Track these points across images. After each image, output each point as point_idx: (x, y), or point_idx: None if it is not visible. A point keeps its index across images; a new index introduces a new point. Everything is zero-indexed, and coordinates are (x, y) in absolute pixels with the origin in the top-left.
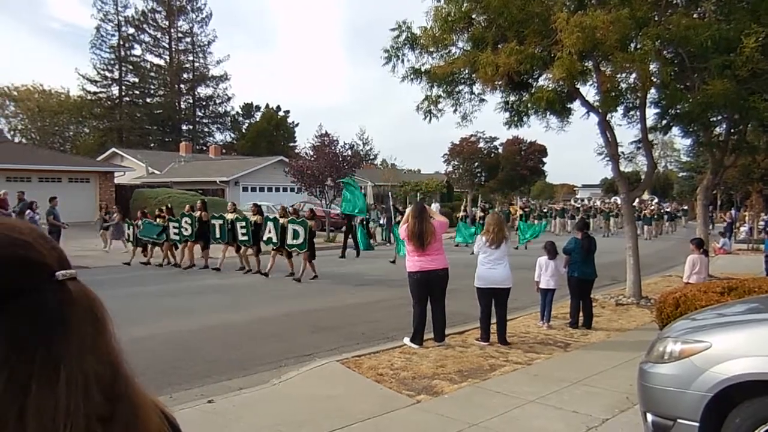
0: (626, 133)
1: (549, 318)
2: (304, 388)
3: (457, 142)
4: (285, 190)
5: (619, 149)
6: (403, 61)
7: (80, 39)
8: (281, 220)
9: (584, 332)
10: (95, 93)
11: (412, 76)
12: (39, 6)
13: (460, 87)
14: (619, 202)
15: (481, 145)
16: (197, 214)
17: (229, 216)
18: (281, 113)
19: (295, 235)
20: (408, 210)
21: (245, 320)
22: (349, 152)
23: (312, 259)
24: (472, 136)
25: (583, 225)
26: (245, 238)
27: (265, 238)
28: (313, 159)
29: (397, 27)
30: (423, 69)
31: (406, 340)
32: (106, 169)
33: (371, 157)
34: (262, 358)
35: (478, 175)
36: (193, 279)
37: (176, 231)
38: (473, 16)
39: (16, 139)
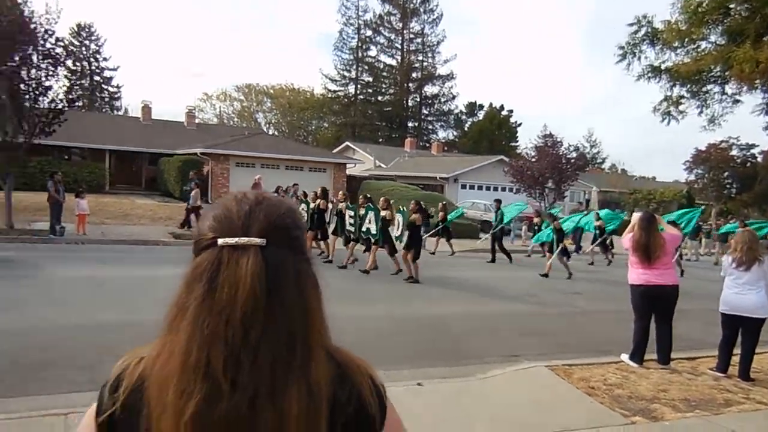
0: None
1: None
2: (509, 387)
3: (704, 149)
4: (503, 189)
5: None
6: (639, 58)
7: (324, 42)
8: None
9: None
10: (335, 91)
11: (649, 75)
12: (294, 14)
13: (709, 86)
14: None
15: (734, 152)
16: (316, 202)
17: (341, 206)
18: (504, 113)
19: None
20: (634, 219)
21: (450, 313)
22: (574, 154)
23: (415, 259)
24: (722, 141)
25: None
26: (353, 228)
27: (364, 229)
28: (534, 160)
29: (635, 22)
30: (663, 67)
31: (624, 357)
32: (340, 161)
33: (598, 160)
34: (467, 351)
35: (728, 186)
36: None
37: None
38: (730, 6)
39: (270, 131)
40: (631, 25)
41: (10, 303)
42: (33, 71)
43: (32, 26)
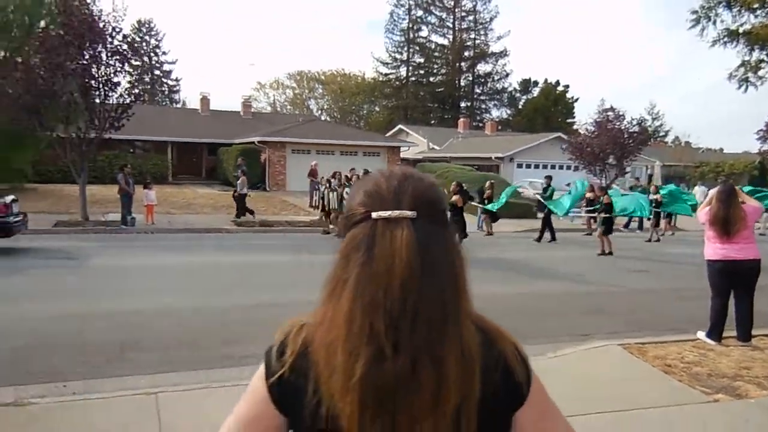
0: None
1: None
2: (582, 365)
3: None
4: (561, 167)
5: None
6: (714, 22)
7: (374, 26)
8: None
9: None
10: (386, 74)
11: (725, 39)
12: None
13: None
14: None
15: None
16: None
17: None
18: (560, 88)
19: None
20: (711, 192)
21: (512, 293)
22: (636, 128)
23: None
24: None
25: None
26: None
27: None
28: (594, 135)
29: None
30: (741, 30)
31: (701, 335)
32: (393, 144)
33: (661, 134)
34: (533, 330)
35: None
36: None
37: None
38: None
39: (322, 117)
40: None
41: (93, 290)
42: (102, 68)
43: (101, 25)
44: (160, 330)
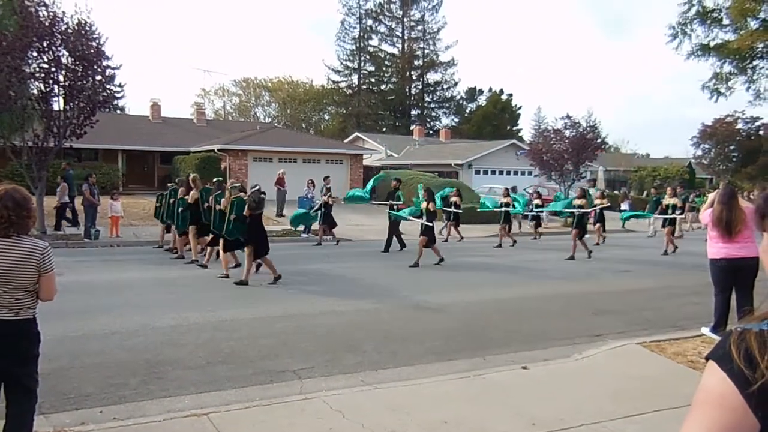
0: None
1: None
2: (610, 366)
3: (710, 123)
4: (516, 173)
5: None
6: (690, 36)
7: (322, 33)
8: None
9: None
10: (337, 82)
11: (699, 53)
12: (291, 5)
13: (756, 62)
14: None
15: (740, 126)
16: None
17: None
18: (504, 96)
19: None
20: (712, 194)
21: (513, 297)
22: (591, 134)
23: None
24: (728, 116)
25: None
26: None
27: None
28: (552, 142)
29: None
30: (713, 44)
31: (705, 330)
32: (356, 151)
33: (598, 140)
34: (552, 333)
35: (733, 159)
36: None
37: None
38: None
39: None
40: (683, 4)
41: (93, 308)
42: (63, 72)
43: (62, 27)
44: (186, 347)
